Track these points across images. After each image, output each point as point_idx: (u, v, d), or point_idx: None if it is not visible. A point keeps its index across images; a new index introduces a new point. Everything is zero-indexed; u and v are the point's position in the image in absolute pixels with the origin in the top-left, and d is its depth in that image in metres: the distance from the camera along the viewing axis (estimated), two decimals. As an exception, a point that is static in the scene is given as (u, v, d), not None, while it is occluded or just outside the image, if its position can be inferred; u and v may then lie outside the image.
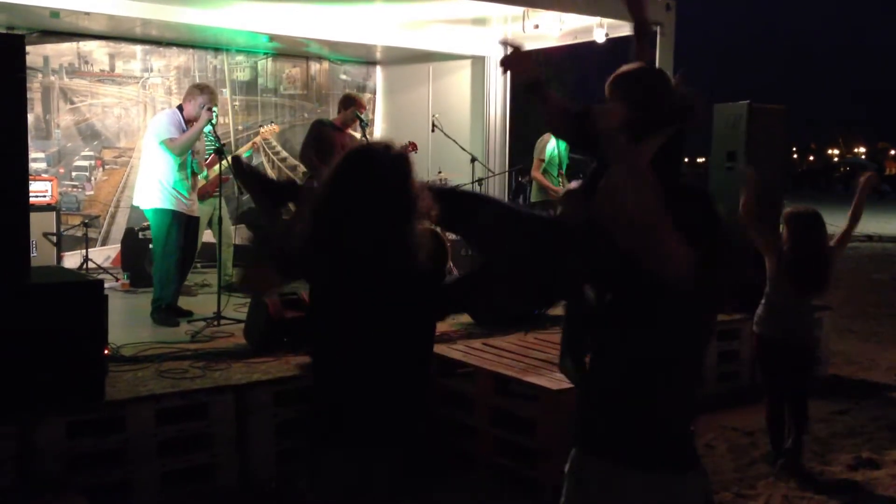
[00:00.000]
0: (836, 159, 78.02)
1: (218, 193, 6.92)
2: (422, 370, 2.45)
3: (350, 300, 2.30)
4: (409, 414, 2.41)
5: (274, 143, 10.33)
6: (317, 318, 2.41)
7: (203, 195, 6.68)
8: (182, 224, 6.07)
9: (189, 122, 6.10)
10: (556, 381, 4.30)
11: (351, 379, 2.34)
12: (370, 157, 2.33)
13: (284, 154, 10.38)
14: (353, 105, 6.73)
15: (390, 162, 2.31)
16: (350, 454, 2.35)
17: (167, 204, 5.98)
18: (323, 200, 2.30)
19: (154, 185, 6.01)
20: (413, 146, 7.00)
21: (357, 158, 2.35)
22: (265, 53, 10.20)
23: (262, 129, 8.39)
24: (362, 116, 6.97)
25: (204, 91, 6.18)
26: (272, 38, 9.13)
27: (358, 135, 8.35)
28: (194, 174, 6.21)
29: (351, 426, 2.34)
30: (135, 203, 6.38)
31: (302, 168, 8.48)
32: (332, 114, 8.34)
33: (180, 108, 6.22)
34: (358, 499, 2.35)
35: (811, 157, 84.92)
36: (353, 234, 2.25)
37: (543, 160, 8.07)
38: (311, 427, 2.43)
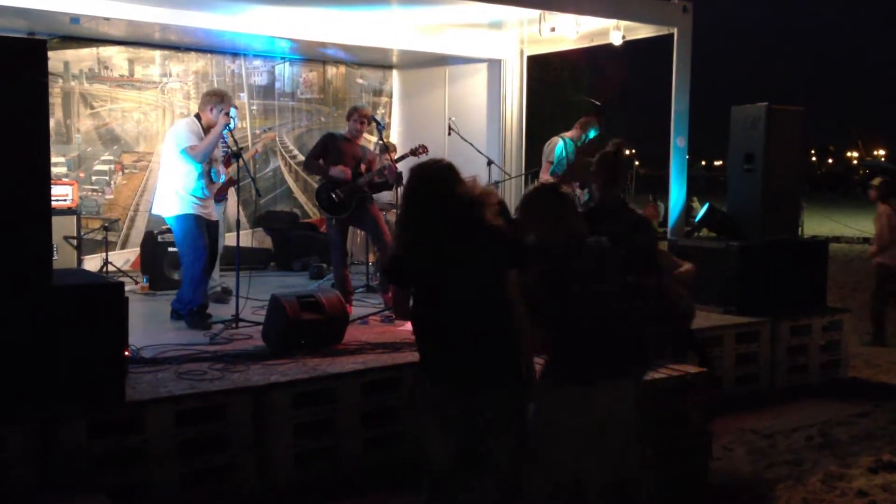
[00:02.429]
0: (854, 162, 77.35)
1: (223, 198, 6.96)
2: (504, 321, 3.09)
3: (444, 277, 3.06)
4: (502, 359, 3.08)
5: (290, 146, 10.40)
6: (430, 306, 3.15)
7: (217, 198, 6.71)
8: (204, 227, 6.11)
9: (207, 128, 6.14)
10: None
11: (446, 333, 3.09)
12: (421, 173, 3.16)
13: (301, 158, 10.43)
14: (352, 115, 6.86)
15: (435, 173, 3.14)
16: (446, 393, 3.11)
17: (188, 209, 6.02)
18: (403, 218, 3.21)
19: (174, 193, 6.04)
20: (423, 148, 7.03)
21: (413, 178, 3.18)
22: (282, 58, 10.27)
23: (263, 135, 8.43)
24: (378, 119, 7.00)
25: (224, 99, 6.21)
26: (294, 41, 9.18)
27: (374, 139, 8.41)
28: (212, 182, 6.25)
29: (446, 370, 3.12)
30: (154, 212, 6.40)
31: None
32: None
33: (198, 116, 6.25)
34: (452, 429, 3.13)
35: (830, 160, 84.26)
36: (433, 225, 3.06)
37: (552, 162, 8.06)
38: (419, 370, 3.24)
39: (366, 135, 7.24)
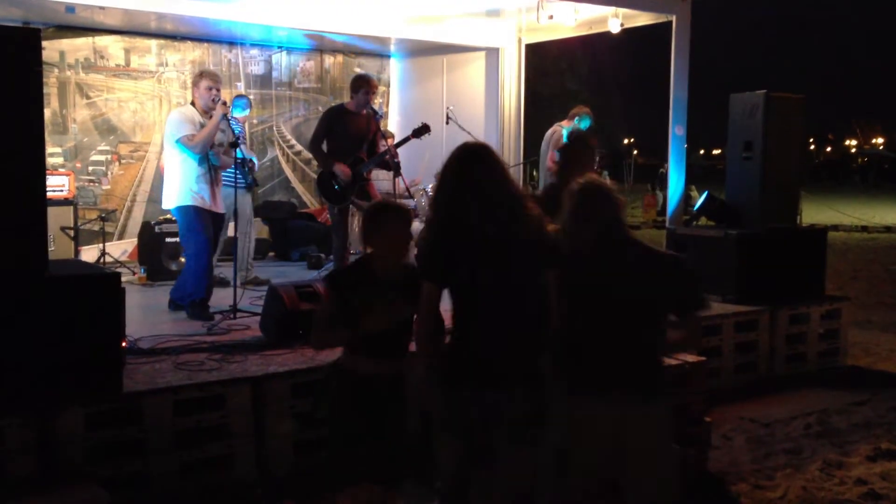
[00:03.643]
0: (853, 150, 77.22)
1: (232, 185, 6.93)
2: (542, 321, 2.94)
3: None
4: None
5: (288, 136, 10.36)
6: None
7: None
8: (207, 219, 6.07)
9: (203, 113, 6.09)
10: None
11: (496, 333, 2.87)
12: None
13: (299, 147, 10.40)
14: (362, 87, 6.72)
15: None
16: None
17: (189, 201, 5.97)
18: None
19: (175, 184, 6.00)
20: (426, 127, 6.97)
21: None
22: (280, 47, 10.22)
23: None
24: (376, 108, 6.96)
25: (203, 76, 6.17)
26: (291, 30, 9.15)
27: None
28: (214, 167, 6.19)
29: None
30: (163, 206, 6.35)
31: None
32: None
33: (193, 104, 6.20)
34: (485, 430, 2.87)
35: (829, 148, 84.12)
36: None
37: None
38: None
39: (365, 112, 7.15)
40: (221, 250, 7.37)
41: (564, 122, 8.31)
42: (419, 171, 8.89)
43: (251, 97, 10.02)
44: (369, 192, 6.77)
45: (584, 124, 8.37)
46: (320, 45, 10.36)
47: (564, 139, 8.17)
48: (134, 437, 3.98)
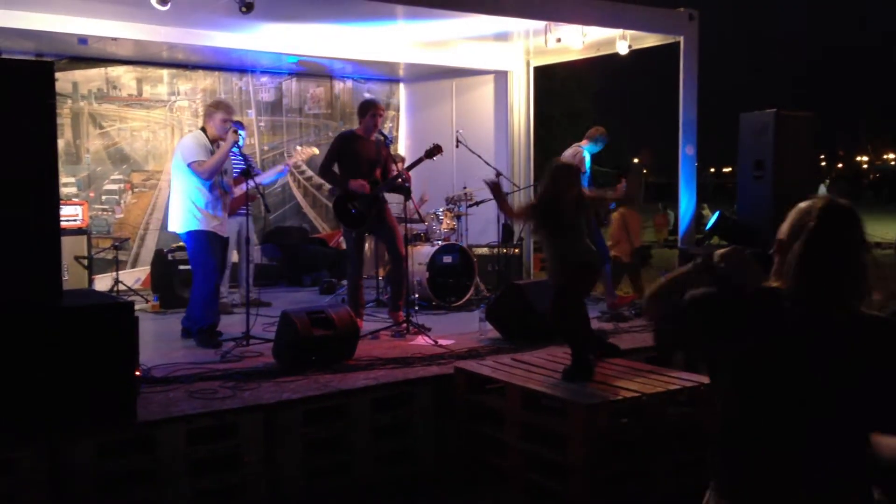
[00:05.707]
0: (864, 166, 76.97)
1: (245, 212, 6.96)
2: None
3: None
4: None
5: (299, 162, 10.39)
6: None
7: (230, 211, 6.72)
8: (218, 244, 6.08)
9: (214, 141, 6.13)
10: (586, 395, 4.26)
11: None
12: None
13: (310, 173, 10.45)
14: (369, 110, 6.67)
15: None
16: None
17: (202, 226, 5.98)
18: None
19: (186, 209, 6.01)
20: (438, 148, 6.88)
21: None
22: (290, 74, 10.30)
23: (298, 149, 8.47)
24: (386, 133, 6.96)
25: (219, 107, 6.19)
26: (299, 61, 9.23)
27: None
28: (225, 193, 6.22)
29: None
30: (170, 229, 6.36)
31: (328, 186, 8.50)
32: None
33: (204, 129, 6.24)
34: None
35: (840, 164, 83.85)
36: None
37: (584, 172, 8.00)
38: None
39: (373, 137, 7.15)
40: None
41: (583, 143, 8.28)
42: (428, 190, 8.89)
43: (262, 125, 10.11)
44: (386, 216, 6.73)
45: (600, 145, 8.34)
46: (330, 71, 10.44)
47: (588, 161, 8.06)
48: (147, 466, 3.98)
